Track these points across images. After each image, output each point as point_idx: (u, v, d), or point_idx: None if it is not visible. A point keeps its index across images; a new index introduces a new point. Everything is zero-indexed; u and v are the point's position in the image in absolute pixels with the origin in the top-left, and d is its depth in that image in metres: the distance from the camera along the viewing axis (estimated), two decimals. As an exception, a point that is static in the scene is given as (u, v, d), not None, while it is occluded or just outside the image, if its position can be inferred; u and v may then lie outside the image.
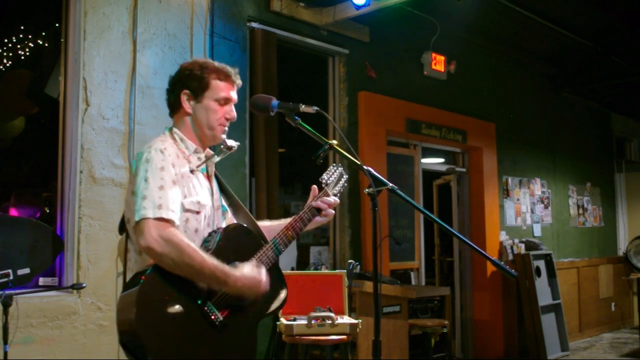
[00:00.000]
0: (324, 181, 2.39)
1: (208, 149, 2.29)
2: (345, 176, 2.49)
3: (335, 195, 2.42)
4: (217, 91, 2.21)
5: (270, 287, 2.15)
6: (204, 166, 2.23)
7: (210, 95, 2.20)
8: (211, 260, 1.97)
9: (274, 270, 2.23)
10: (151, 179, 2.00)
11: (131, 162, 2.09)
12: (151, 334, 1.87)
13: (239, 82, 2.30)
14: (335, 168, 2.44)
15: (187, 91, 2.19)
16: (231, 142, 2.27)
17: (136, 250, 2.12)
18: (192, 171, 2.16)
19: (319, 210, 2.35)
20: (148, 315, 1.88)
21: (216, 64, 2.26)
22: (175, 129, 2.23)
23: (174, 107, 2.24)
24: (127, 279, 2.13)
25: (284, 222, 2.38)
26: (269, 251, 2.22)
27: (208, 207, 2.19)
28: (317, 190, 2.40)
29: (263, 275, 2.09)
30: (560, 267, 7.98)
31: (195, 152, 2.22)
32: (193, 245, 1.97)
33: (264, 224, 2.42)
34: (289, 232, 2.27)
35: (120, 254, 4.10)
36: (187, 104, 2.20)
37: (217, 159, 2.29)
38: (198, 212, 2.14)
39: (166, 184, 2.01)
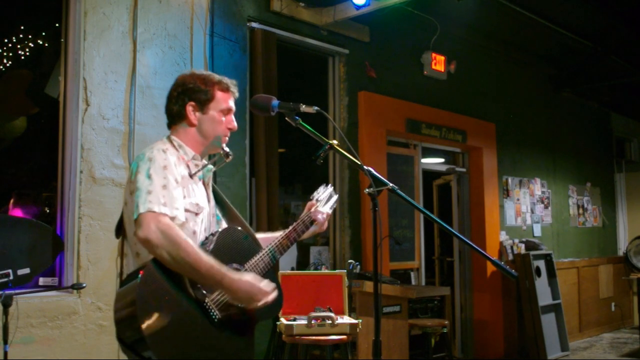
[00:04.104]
0: (314, 199, 2.51)
1: (204, 160, 2.32)
2: (336, 196, 2.61)
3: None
4: (221, 102, 2.27)
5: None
6: (201, 173, 2.26)
7: (215, 107, 2.26)
8: (207, 259, 1.98)
9: (270, 276, 2.26)
10: (155, 176, 2.03)
11: (131, 163, 2.11)
12: (152, 327, 1.87)
13: (237, 93, 2.36)
14: (324, 188, 2.58)
15: (193, 103, 2.23)
16: (228, 150, 2.34)
17: (133, 253, 2.13)
18: (191, 176, 2.19)
19: (311, 222, 2.45)
20: (149, 308, 1.88)
21: (216, 75, 2.31)
22: (173, 137, 2.26)
23: (177, 117, 2.26)
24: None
25: (276, 234, 2.45)
26: (265, 257, 2.26)
27: (206, 210, 2.23)
28: (312, 205, 2.50)
29: (263, 285, 2.08)
30: (560, 267, 7.98)
31: (194, 159, 2.25)
32: (190, 241, 1.98)
33: (257, 235, 2.46)
34: (285, 241, 2.34)
35: (120, 254, 4.10)
36: (193, 116, 2.24)
37: (214, 168, 2.35)
38: (197, 214, 2.17)
39: (169, 183, 2.04)
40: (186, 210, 2.11)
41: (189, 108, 2.23)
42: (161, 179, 2.03)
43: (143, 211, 1.95)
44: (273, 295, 2.11)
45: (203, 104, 2.24)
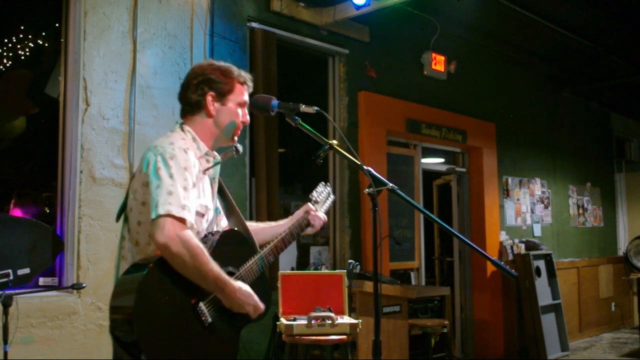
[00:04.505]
0: (313, 199, 2.54)
1: (215, 152, 2.32)
2: (333, 197, 2.68)
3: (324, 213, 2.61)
4: (239, 95, 2.28)
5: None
6: (212, 171, 2.27)
7: (233, 99, 2.26)
8: (216, 268, 2.01)
9: (260, 282, 2.27)
10: (177, 176, 2.02)
11: (145, 155, 2.07)
12: (146, 328, 1.89)
13: (251, 88, 2.36)
14: (323, 187, 2.62)
15: (213, 93, 2.22)
16: (239, 146, 2.35)
17: (132, 241, 2.14)
18: (203, 173, 2.20)
19: (307, 225, 2.50)
20: (145, 309, 1.90)
21: (235, 68, 2.31)
22: (187, 127, 2.24)
23: (196, 106, 2.24)
24: (121, 267, 2.17)
25: (272, 226, 2.49)
26: (254, 265, 2.26)
27: (211, 210, 2.24)
28: (310, 207, 2.54)
29: (257, 300, 2.14)
30: (560, 267, 7.98)
31: (206, 154, 2.24)
32: (206, 251, 2.00)
33: (251, 226, 2.47)
34: (280, 244, 2.38)
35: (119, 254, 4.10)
36: (212, 106, 2.23)
37: (221, 160, 2.34)
38: (203, 215, 2.18)
39: (189, 185, 2.05)
40: (196, 213, 2.11)
41: (209, 98, 2.22)
42: (182, 180, 2.02)
43: (163, 213, 1.94)
44: (261, 308, 2.17)
45: (223, 95, 2.24)
